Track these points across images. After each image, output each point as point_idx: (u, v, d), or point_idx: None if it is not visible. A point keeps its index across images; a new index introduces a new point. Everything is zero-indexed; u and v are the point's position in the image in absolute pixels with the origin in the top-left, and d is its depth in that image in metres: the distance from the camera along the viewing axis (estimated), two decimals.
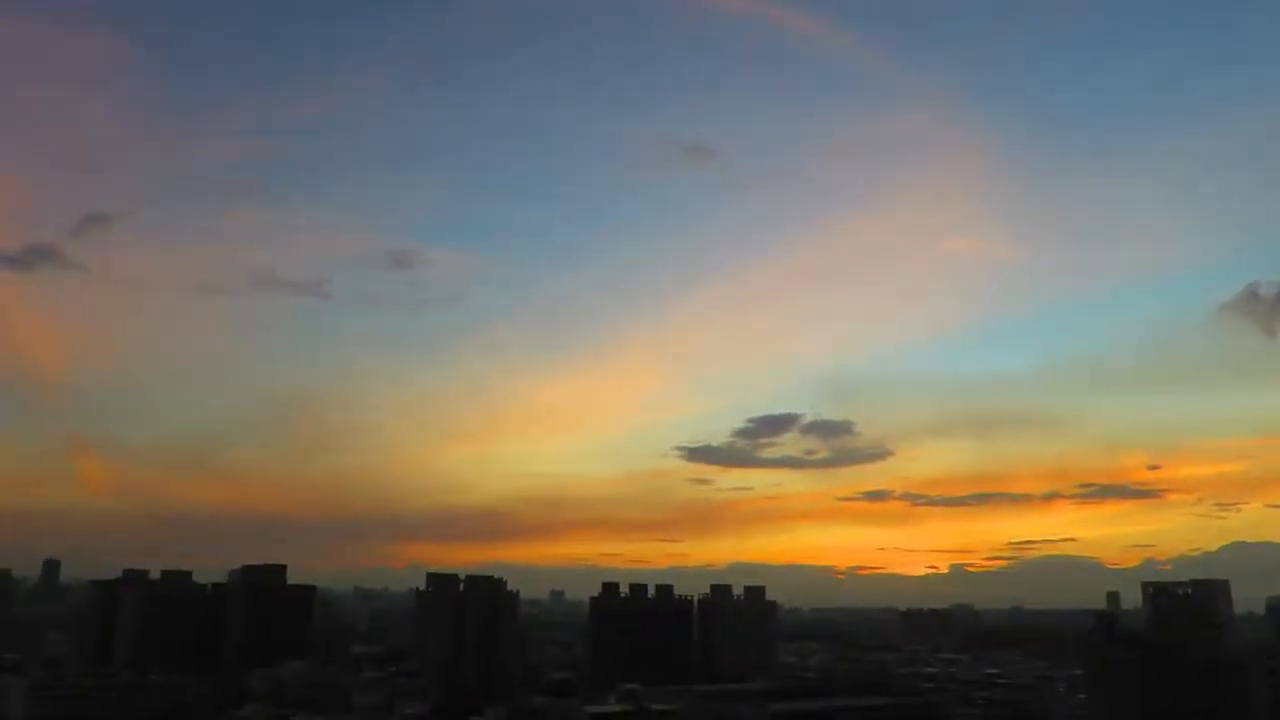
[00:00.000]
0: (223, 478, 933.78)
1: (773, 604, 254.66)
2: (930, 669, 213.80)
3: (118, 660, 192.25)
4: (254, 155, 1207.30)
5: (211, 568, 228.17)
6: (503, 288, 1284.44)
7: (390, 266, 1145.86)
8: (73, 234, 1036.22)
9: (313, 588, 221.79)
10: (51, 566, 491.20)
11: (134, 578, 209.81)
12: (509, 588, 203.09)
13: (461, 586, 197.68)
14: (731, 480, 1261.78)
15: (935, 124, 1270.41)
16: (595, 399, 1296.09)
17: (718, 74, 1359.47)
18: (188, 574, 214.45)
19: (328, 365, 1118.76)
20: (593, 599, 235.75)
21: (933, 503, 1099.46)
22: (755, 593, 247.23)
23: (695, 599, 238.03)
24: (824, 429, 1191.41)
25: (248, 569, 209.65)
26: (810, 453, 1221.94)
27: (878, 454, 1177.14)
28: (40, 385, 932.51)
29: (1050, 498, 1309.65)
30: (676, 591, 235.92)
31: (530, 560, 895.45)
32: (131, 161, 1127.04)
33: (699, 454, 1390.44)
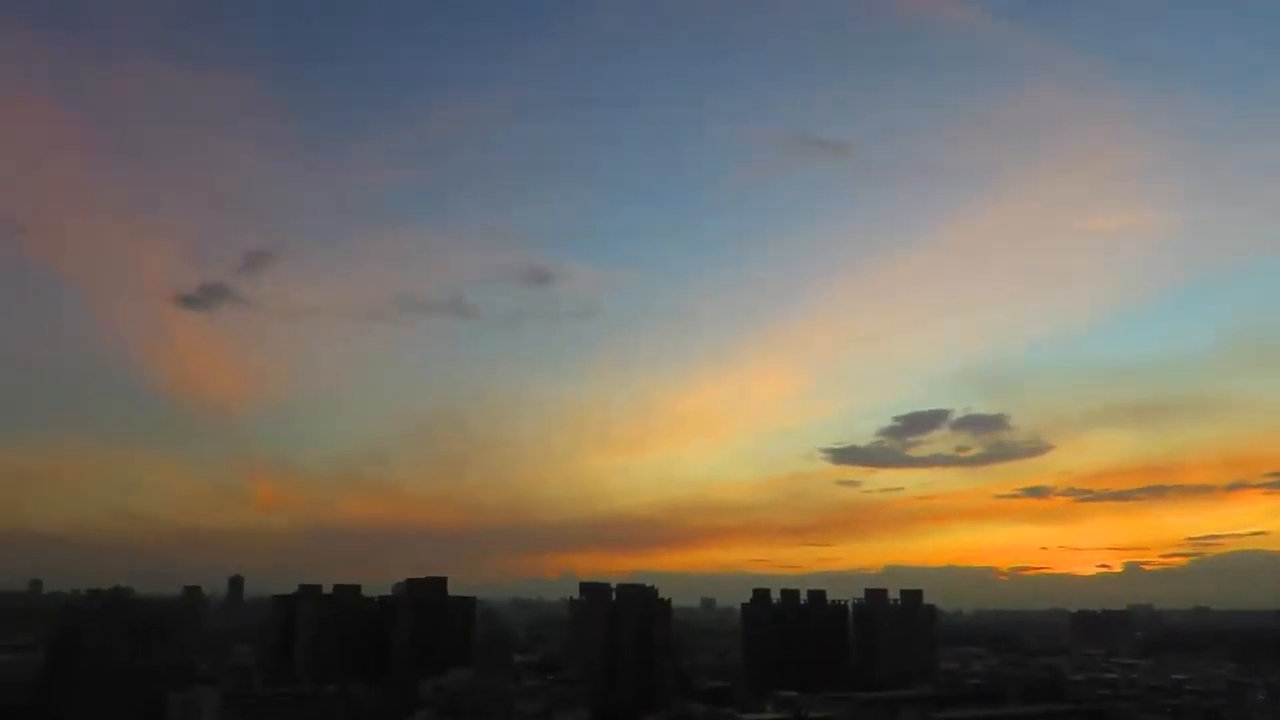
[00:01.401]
0: (383, 494, 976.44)
1: (931, 607, 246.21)
2: (1108, 675, 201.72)
3: (297, 670, 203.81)
4: (392, 182, 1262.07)
5: (377, 581, 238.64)
6: (638, 297, 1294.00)
7: (529, 282, 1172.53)
8: (239, 271, 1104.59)
9: (473, 599, 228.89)
10: (236, 583, 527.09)
11: (309, 592, 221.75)
12: (660, 595, 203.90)
13: (613, 595, 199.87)
14: (880, 481, 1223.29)
15: (1074, 95, 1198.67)
16: (736, 403, 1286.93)
17: (844, 64, 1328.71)
18: (357, 587, 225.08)
19: (473, 381, 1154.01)
20: (744, 605, 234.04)
21: (1099, 498, 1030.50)
22: (912, 596, 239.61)
23: (850, 604, 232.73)
24: (976, 424, 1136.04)
25: (411, 582, 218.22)
26: (962, 449, 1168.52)
27: (1036, 448, 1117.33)
28: (218, 413, 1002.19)
29: (1234, 488, 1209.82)
30: (829, 596, 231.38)
31: (679, 568, 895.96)
32: (281, 199, 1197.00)
33: (845, 455, 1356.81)
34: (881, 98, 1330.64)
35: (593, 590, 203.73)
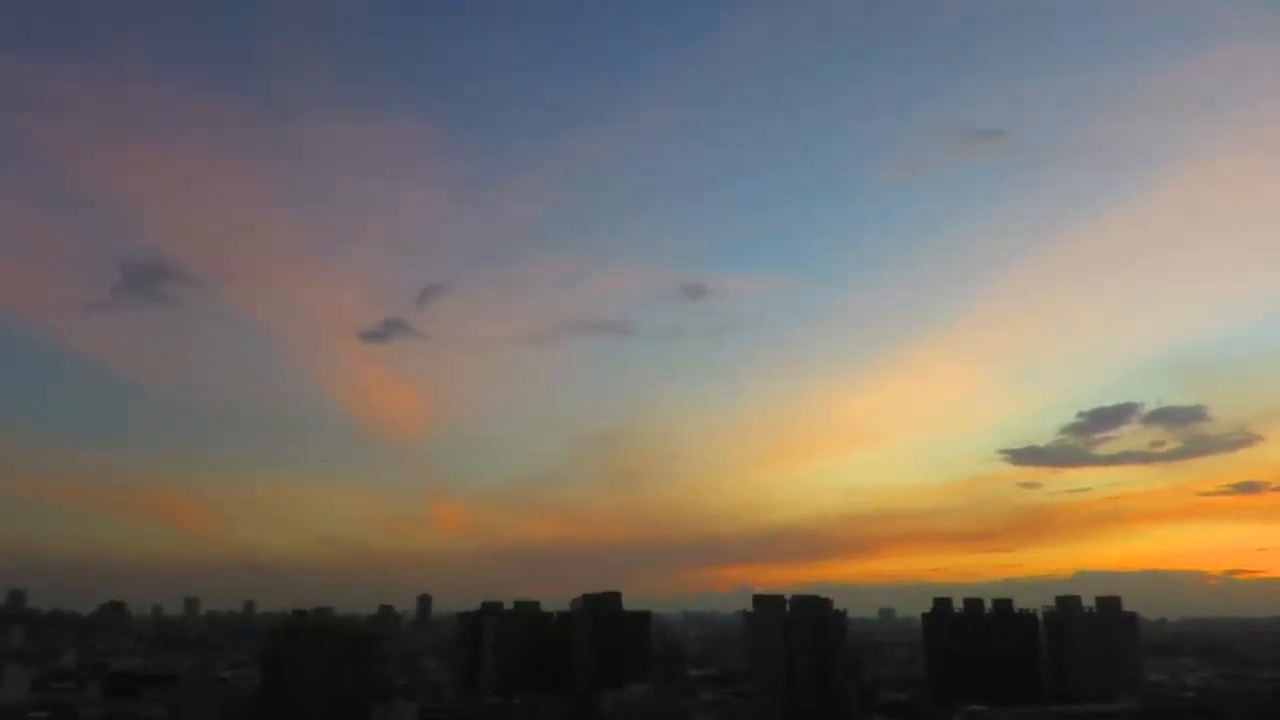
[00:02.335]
0: (557, 512, 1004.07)
1: (1132, 615, 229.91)
2: None
3: (483, 683, 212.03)
4: (555, 209, 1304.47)
5: (555, 596, 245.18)
6: (797, 304, 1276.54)
7: (687, 297, 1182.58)
8: (415, 305, 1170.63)
9: (648, 613, 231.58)
10: (424, 601, 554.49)
11: (491, 609, 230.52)
12: (836, 606, 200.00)
13: (788, 607, 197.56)
14: (1064, 482, 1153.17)
15: (1266, 56, 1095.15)
16: (905, 406, 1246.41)
17: (997, 46, 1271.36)
18: (536, 604, 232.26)
19: (638, 397, 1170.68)
20: (925, 616, 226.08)
21: None
22: (1109, 603, 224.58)
23: (1039, 612, 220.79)
24: (1170, 417, 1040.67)
25: (588, 597, 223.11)
26: (1156, 445, 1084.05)
27: (1241, 441, 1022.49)
28: (402, 441, 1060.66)
29: None
30: (1015, 605, 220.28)
31: (854, 578, 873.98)
32: (451, 234, 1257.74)
33: (1024, 455, 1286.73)
34: (1041, 76, 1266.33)
35: (766, 602, 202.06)
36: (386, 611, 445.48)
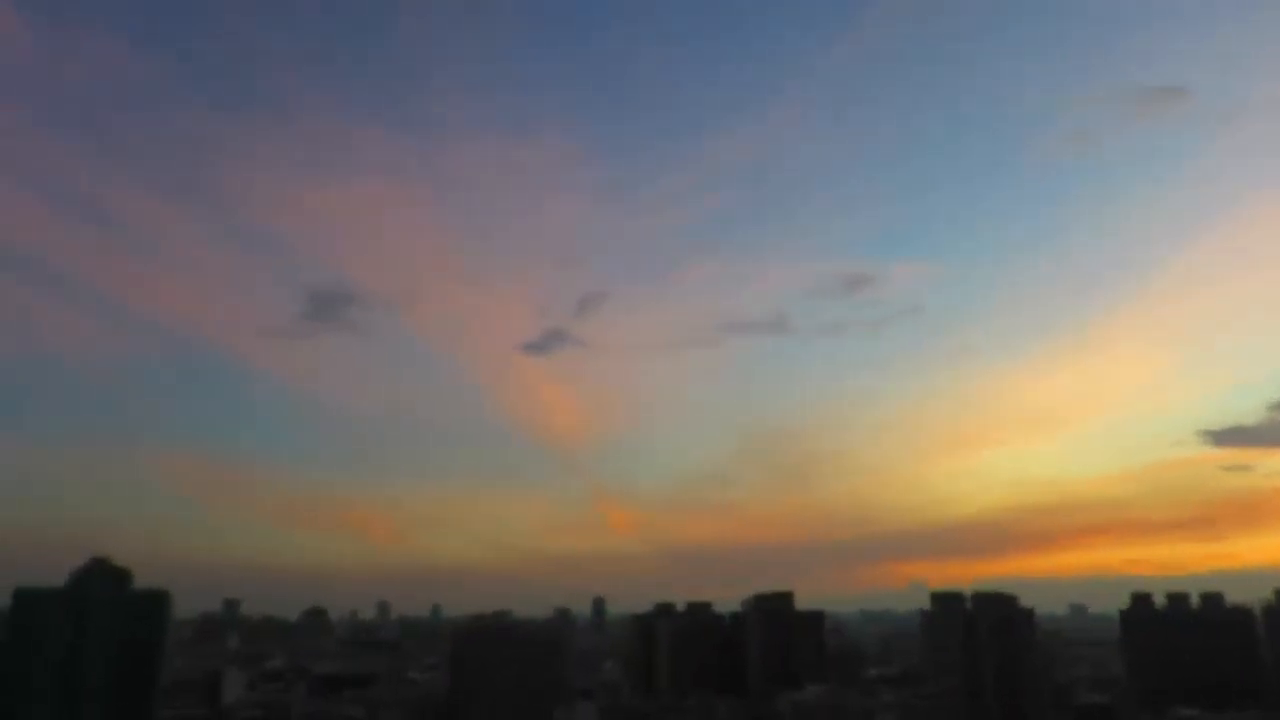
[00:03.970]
0: (725, 512, 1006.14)
1: None
2: None
3: (658, 684, 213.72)
4: (706, 210, 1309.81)
5: (727, 597, 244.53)
6: (963, 290, 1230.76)
7: (846, 290, 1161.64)
8: (575, 315, 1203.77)
9: (821, 612, 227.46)
10: (599, 603, 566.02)
11: (664, 610, 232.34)
12: (1021, 603, 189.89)
13: (969, 605, 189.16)
14: (1278, 463, 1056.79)
15: None
16: (1087, 390, 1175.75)
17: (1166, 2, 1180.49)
18: (708, 604, 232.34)
19: (801, 394, 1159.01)
20: (1122, 612, 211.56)
21: None
22: None
23: (1257, 607, 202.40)
24: None
25: (759, 597, 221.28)
26: None
27: None
28: (569, 447, 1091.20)
29: None
30: (1228, 599, 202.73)
31: (1040, 572, 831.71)
32: (606, 244, 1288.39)
33: (1228, 437, 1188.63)
34: (1218, 26, 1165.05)
35: (945, 600, 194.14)
36: (563, 614, 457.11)
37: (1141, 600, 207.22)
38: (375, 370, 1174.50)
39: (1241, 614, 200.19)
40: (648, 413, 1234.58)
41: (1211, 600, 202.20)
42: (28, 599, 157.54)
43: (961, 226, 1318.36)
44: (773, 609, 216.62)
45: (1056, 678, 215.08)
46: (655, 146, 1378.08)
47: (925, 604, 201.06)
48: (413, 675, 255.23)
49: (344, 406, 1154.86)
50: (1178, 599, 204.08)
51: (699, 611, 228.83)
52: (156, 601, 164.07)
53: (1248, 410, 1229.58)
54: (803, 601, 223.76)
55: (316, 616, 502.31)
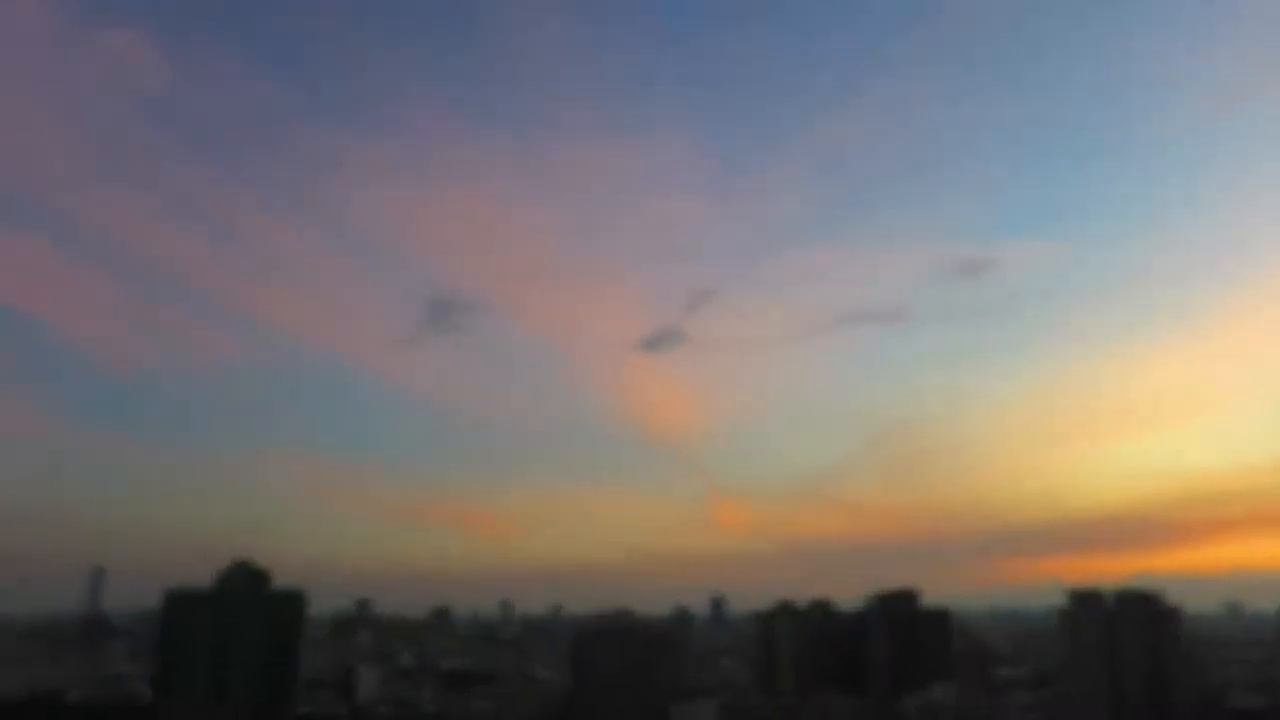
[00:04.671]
0: (845, 507, 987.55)
1: None
2: None
3: (780, 683, 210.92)
4: (816, 199, 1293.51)
5: (848, 594, 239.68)
6: (1089, 270, 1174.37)
7: (965, 275, 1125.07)
8: (688, 311, 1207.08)
9: (947, 610, 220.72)
10: (717, 601, 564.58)
11: (784, 608, 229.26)
12: (1167, 601, 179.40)
13: (1109, 603, 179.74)
14: None
15: None
16: (1227, 373, 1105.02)
17: None
18: (829, 602, 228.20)
19: (920, 385, 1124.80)
20: None
21: None
22: None
23: None
24: None
25: (883, 595, 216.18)
26: None
27: None
28: (682, 445, 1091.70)
29: None
30: None
31: (1188, 568, 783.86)
32: (716, 238, 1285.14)
33: None
34: None
35: (1084, 597, 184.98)
36: (682, 612, 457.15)
37: None
38: (489, 373, 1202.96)
39: None
40: (762, 408, 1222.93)
41: None
42: (178, 600, 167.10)
43: (1086, 205, 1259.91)
44: (897, 606, 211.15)
45: (1209, 679, 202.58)
46: (763, 138, 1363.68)
47: (1059, 601, 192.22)
48: (536, 673, 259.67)
49: (460, 409, 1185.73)
50: None
51: (820, 609, 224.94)
52: (294, 601, 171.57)
53: None
54: (928, 598, 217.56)
55: (442, 615, 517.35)
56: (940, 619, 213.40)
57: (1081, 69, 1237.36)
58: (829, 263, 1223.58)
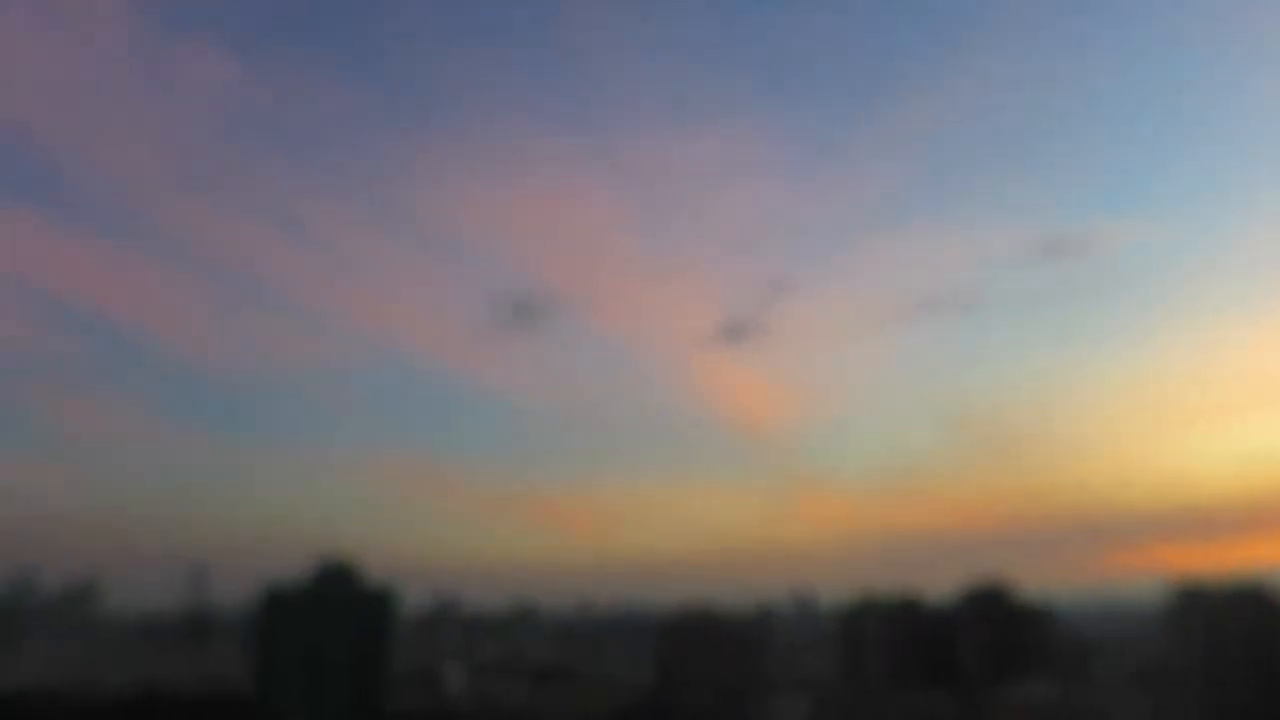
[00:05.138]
0: (931, 498, 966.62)
1: None
2: None
3: (867, 678, 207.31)
4: (894, 185, 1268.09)
5: (937, 588, 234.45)
6: (1185, 251, 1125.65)
7: (1054, 257, 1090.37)
8: (762, 301, 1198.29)
9: (1042, 603, 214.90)
10: (802, 595, 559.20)
11: (870, 601, 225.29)
12: (1277, 595, 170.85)
13: (1216, 597, 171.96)
14: None
15: None
16: None
17: None
18: (917, 595, 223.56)
19: (1007, 371, 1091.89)
20: None
21: None
22: None
23: None
24: None
25: (974, 587, 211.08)
26: None
27: None
28: (764, 436, 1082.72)
29: None
30: None
31: None
32: (793, 223, 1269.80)
33: None
34: None
35: (1189, 590, 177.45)
36: (766, 606, 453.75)
37: None
38: (568, 367, 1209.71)
39: None
40: (843, 397, 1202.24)
41: None
42: (274, 597, 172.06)
43: (1183, 183, 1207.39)
44: (989, 599, 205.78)
45: None
46: (836, 123, 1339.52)
47: (1163, 594, 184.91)
48: (618, 668, 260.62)
49: (539, 404, 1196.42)
50: None
51: (909, 603, 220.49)
52: (385, 598, 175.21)
53: None
54: (1022, 591, 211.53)
55: (525, 610, 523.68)
56: (1035, 613, 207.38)
57: (1176, 43, 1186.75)
58: (910, 248, 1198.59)
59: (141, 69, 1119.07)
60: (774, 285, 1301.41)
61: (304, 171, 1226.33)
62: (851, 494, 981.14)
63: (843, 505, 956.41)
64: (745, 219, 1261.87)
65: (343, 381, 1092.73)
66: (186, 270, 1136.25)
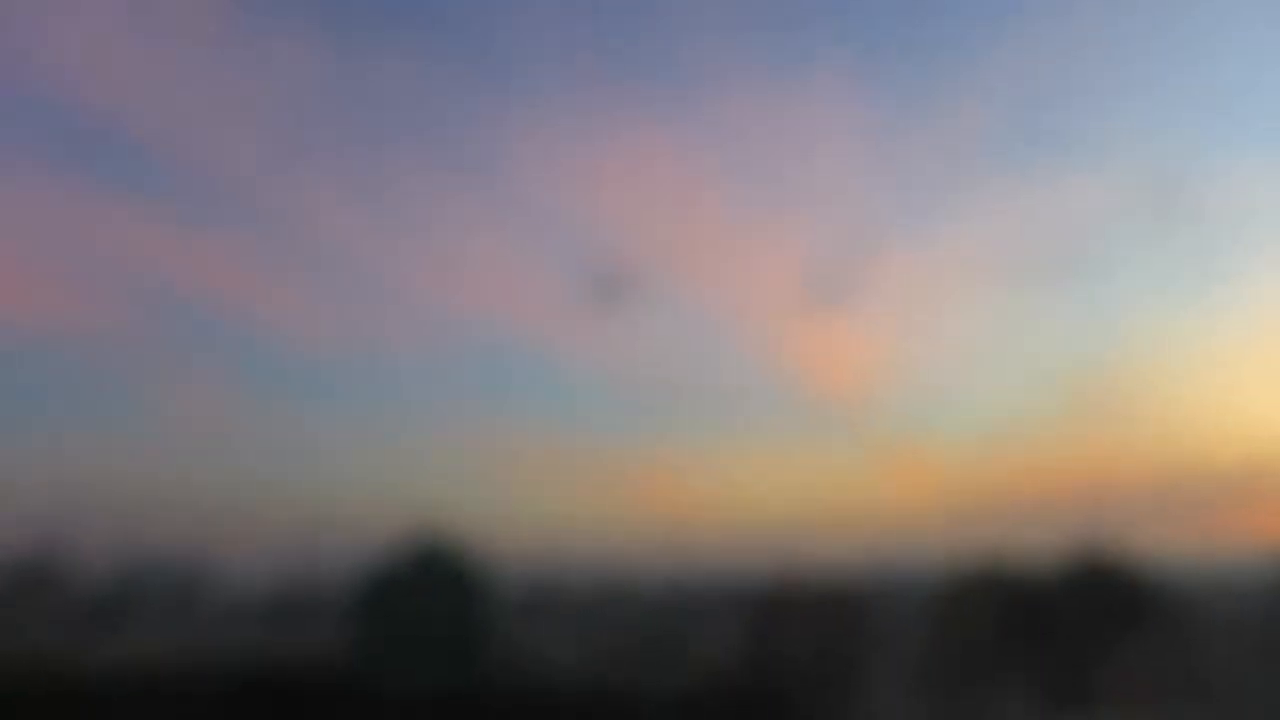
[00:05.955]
0: (1032, 462, 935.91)
1: None
2: None
3: (964, 649, 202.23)
4: (990, 137, 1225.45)
5: (1040, 555, 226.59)
6: None
7: (1163, 203, 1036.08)
8: (855, 260, 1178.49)
9: (1153, 571, 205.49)
10: (898, 563, 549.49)
11: (970, 569, 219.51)
12: None
13: None
14: None
15: None
16: None
17: None
18: (1019, 562, 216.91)
19: (1112, 326, 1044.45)
20: None
21: None
22: None
23: None
24: None
25: (1080, 554, 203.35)
26: None
27: None
28: (856, 401, 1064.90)
29: None
30: None
31: None
32: (878, 184, 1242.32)
33: None
34: None
35: None
36: (861, 575, 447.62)
37: None
38: (659, 335, 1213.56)
39: None
40: (941, 358, 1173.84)
41: None
42: (375, 578, 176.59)
43: None
44: (1095, 567, 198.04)
45: None
46: (930, 70, 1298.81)
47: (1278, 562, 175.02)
48: (713, 641, 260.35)
49: (632, 374, 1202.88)
50: None
51: (1009, 570, 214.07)
52: (485, 575, 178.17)
53: None
54: (1131, 558, 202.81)
55: (621, 585, 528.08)
56: (1144, 580, 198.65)
57: None
58: (1009, 202, 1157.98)
59: (230, 56, 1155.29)
60: (863, 245, 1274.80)
61: (393, 152, 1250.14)
62: (949, 459, 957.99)
63: (940, 469, 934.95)
64: (837, 175, 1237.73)
65: (436, 357, 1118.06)
66: (285, 252, 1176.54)
